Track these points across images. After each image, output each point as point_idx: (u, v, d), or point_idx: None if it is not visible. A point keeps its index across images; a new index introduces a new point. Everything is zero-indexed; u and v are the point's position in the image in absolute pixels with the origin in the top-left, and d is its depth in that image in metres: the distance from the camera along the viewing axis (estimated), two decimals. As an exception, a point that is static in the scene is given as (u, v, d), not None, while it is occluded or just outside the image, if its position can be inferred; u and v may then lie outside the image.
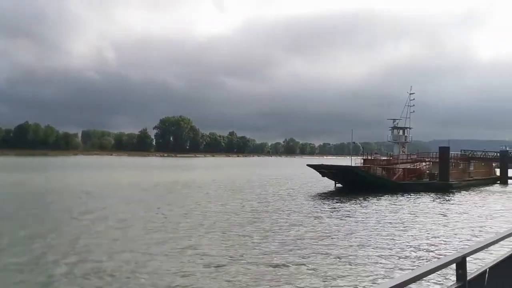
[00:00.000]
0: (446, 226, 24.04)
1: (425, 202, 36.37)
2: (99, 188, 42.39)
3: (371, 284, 12.78)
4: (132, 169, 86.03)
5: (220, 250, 17.07)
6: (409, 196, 40.30)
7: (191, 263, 15.05)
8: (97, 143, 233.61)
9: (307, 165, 52.36)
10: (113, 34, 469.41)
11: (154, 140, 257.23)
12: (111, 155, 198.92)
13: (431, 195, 41.75)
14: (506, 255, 3.82)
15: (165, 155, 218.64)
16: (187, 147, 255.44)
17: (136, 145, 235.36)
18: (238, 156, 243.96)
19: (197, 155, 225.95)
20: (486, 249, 3.58)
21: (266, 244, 18.11)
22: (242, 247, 17.57)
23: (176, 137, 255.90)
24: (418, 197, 39.40)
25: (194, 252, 16.65)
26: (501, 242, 3.98)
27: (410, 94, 61.63)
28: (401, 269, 14.45)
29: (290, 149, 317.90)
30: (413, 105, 61.52)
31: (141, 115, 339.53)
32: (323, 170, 49.36)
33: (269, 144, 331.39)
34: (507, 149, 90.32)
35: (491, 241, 3.59)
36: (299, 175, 67.54)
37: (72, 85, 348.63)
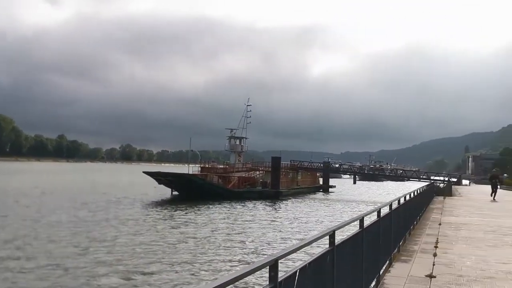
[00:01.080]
0: (273, 231, 25.06)
1: (257, 209, 37.72)
2: None
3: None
4: None
5: (34, 262, 14.94)
6: (243, 203, 41.40)
7: None
8: None
9: (144, 172, 50.52)
10: None
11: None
12: None
13: (263, 202, 43.55)
14: (314, 257, 4.03)
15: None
16: (7, 150, 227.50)
17: None
18: (68, 162, 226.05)
19: (19, 159, 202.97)
20: (299, 251, 3.87)
21: (93, 255, 16.70)
22: (65, 260, 15.81)
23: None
24: (251, 205, 40.69)
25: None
26: (314, 244, 4.24)
27: (247, 105, 64.20)
28: (222, 273, 14.54)
29: (126, 155, 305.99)
30: (250, 116, 64.22)
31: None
32: (160, 177, 48.20)
33: (104, 150, 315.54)
34: (329, 160, 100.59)
35: (302, 244, 3.76)
36: (135, 183, 64.80)
37: None
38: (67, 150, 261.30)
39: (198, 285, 12.92)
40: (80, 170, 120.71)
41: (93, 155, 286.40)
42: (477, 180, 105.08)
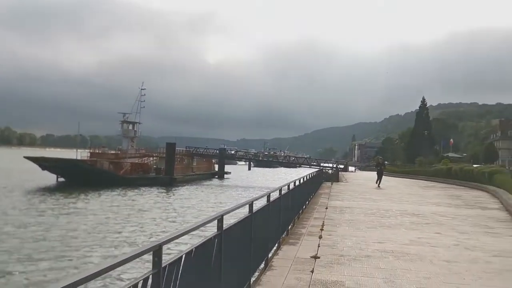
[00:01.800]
0: (165, 218, 24.77)
1: (150, 196, 36.90)
2: None
3: (66, 275, 12.04)
4: None
5: None
6: (136, 190, 40.23)
7: None
8: None
9: (25, 157, 46.75)
10: None
11: None
12: None
13: (157, 189, 42.70)
14: (201, 242, 4.03)
15: None
16: None
17: None
18: None
19: None
20: (193, 237, 3.64)
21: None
22: None
23: None
24: (143, 192, 39.67)
25: None
26: (208, 229, 4.25)
27: (141, 89, 62.11)
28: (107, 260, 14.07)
29: (5, 139, 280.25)
30: (144, 101, 62.20)
31: None
32: (44, 163, 45.12)
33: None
34: (225, 147, 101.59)
35: (188, 229, 3.73)
36: (15, 169, 59.68)
37: None
38: None
39: (80, 271, 12.28)
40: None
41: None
42: (362, 166, 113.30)
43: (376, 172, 31.41)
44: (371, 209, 15.96)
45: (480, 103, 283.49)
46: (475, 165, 42.49)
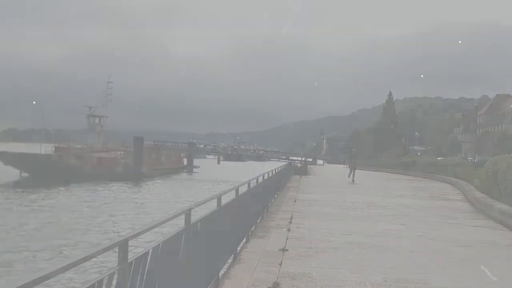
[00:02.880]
0: (132, 213, 24.52)
1: (117, 191, 36.39)
2: None
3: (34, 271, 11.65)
4: None
5: None
6: (102, 185, 39.54)
7: None
8: None
9: (-14, 152, 45.36)
10: None
11: None
12: None
13: (124, 183, 42.08)
14: (168, 236, 4.04)
15: None
16: None
17: None
18: None
19: None
20: (160, 232, 3.94)
21: None
22: None
23: None
24: (110, 186, 39.04)
25: None
26: (177, 224, 4.25)
27: (108, 82, 61.06)
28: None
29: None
30: (111, 94, 61.18)
31: None
32: (6, 157, 43.98)
33: None
34: (194, 140, 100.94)
35: (154, 224, 3.74)
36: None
37: None
38: None
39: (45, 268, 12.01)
40: None
41: None
42: (330, 160, 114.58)
43: (348, 166, 29.99)
44: (339, 202, 16.16)
45: (444, 98, 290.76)
46: (439, 158, 43.62)
